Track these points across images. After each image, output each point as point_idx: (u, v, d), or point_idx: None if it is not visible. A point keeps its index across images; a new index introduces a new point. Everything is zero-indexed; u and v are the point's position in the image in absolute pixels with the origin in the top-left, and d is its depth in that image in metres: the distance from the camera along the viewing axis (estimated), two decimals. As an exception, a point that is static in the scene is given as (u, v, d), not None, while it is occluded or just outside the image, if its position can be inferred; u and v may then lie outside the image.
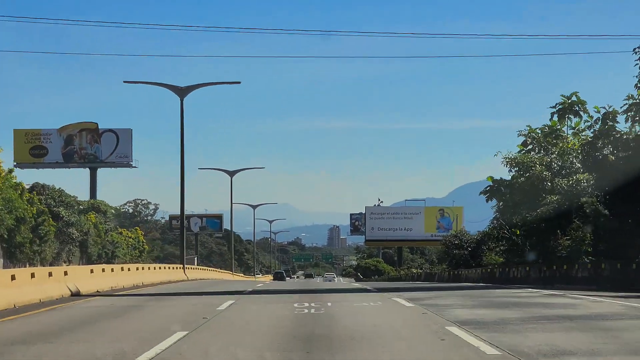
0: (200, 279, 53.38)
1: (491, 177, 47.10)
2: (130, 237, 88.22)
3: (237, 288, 34.12)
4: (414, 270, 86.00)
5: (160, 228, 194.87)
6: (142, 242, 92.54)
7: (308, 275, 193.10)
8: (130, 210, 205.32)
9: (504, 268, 43.37)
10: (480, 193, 47.87)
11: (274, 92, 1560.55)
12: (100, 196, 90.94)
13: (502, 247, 46.37)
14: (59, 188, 65.62)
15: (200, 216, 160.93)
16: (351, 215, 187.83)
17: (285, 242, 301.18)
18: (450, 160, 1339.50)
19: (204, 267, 76.15)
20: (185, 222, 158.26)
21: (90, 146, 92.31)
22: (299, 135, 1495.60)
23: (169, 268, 48.47)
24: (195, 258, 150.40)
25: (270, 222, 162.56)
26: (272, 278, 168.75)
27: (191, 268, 59.35)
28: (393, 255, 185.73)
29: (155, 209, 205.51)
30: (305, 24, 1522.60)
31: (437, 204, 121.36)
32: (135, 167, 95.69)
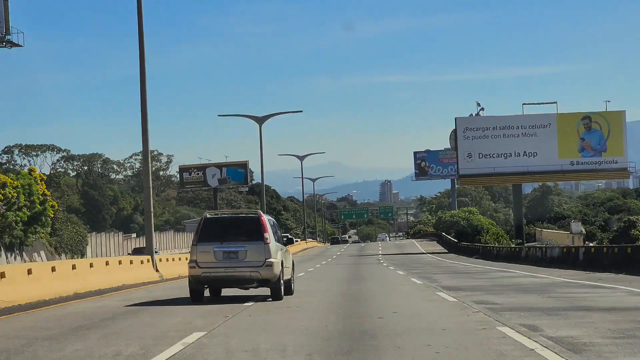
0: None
1: None
2: (14, 187, 45.46)
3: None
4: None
5: (177, 185, 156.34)
6: (45, 194, 48.98)
7: (356, 242, 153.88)
8: (138, 165, 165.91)
9: None
10: None
11: (322, 49, 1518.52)
12: None
13: None
14: None
15: (219, 165, 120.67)
16: (415, 154, 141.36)
17: (335, 199, 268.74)
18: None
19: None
20: (199, 174, 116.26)
21: None
22: (345, 92, 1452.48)
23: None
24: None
25: (314, 180, 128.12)
26: (324, 244, 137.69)
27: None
28: (469, 203, 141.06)
29: (169, 162, 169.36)
30: None
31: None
32: (18, 44, 52.59)
